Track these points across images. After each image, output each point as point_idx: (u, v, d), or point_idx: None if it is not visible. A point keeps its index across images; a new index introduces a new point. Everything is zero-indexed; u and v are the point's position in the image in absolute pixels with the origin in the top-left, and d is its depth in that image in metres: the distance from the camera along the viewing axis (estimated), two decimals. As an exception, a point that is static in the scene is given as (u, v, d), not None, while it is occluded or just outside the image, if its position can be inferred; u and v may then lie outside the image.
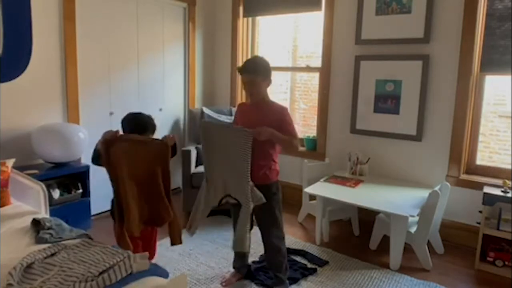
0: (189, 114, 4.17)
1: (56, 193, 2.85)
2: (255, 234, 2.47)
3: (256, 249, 2.61)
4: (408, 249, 2.74)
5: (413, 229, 2.75)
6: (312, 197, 3.25)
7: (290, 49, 4.23)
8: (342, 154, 3.59)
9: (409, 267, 2.73)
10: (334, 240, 3.16)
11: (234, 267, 2.56)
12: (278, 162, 2.31)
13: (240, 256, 2.51)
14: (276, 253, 2.33)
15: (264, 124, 2.12)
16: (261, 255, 2.76)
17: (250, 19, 4.35)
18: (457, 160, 3.11)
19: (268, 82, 2.24)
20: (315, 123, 3.93)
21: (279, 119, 2.19)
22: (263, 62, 2.22)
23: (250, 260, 2.64)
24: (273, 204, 2.25)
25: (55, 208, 2.74)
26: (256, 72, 2.18)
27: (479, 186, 2.90)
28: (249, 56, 4.40)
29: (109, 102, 3.51)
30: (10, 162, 2.42)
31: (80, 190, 3.02)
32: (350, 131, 3.61)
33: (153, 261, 2.09)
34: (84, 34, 3.21)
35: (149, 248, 2.13)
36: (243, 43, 4.36)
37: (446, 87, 3.10)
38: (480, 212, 2.73)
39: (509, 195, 2.63)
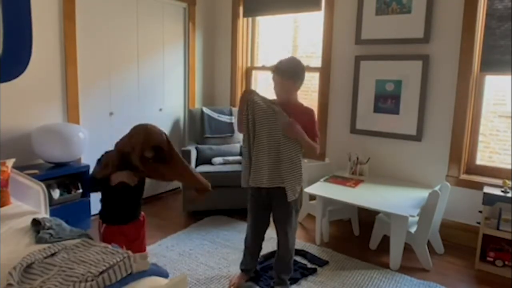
0: (189, 114, 4.17)
1: (56, 193, 2.85)
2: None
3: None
4: (408, 249, 2.74)
5: (413, 229, 2.75)
6: (312, 197, 3.25)
7: (290, 49, 4.22)
8: (342, 154, 3.59)
9: (409, 267, 2.73)
10: (334, 240, 3.16)
11: (243, 269, 2.51)
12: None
13: (254, 258, 2.49)
14: (287, 253, 2.35)
15: (297, 117, 2.12)
16: (262, 256, 2.75)
17: (250, 19, 4.35)
18: (457, 160, 3.11)
19: (298, 85, 2.17)
20: (315, 123, 3.92)
21: (306, 120, 2.16)
22: (297, 65, 2.14)
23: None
24: (295, 205, 2.27)
25: (55, 208, 2.74)
26: (288, 76, 2.11)
27: (479, 186, 2.91)
28: (249, 56, 4.42)
29: (109, 102, 3.51)
30: (10, 162, 2.42)
31: (80, 190, 3.02)
32: (350, 131, 3.61)
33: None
34: (84, 34, 3.21)
35: (137, 245, 2.14)
36: (243, 43, 4.36)
37: (446, 87, 3.11)
38: (480, 212, 2.73)
39: (509, 195, 2.63)
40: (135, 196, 2.13)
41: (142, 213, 2.22)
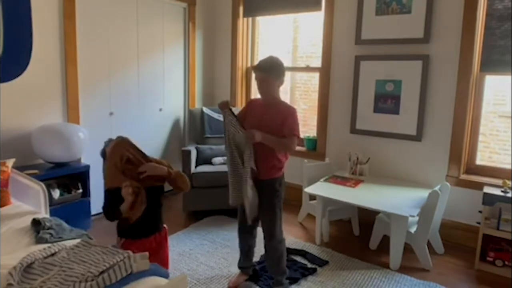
0: (189, 114, 4.17)
1: (56, 193, 2.85)
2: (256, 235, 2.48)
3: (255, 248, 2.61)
4: (408, 249, 2.74)
5: (413, 229, 2.75)
6: (312, 197, 3.25)
7: (290, 49, 4.22)
8: (342, 154, 3.59)
9: (409, 267, 2.73)
10: (334, 240, 3.16)
11: (239, 267, 2.54)
12: (284, 160, 2.32)
13: (246, 256, 2.51)
14: (273, 254, 2.34)
15: (269, 123, 2.20)
16: (261, 255, 2.76)
17: (250, 19, 4.35)
18: (457, 160, 3.11)
19: (280, 82, 2.26)
20: (315, 123, 3.93)
21: (283, 119, 2.20)
22: (276, 62, 2.24)
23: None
24: (274, 201, 2.27)
25: (55, 208, 2.74)
26: (267, 71, 2.21)
27: (479, 186, 2.90)
28: (249, 56, 4.42)
29: (109, 102, 3.51)
30: (10, 162, 2.42)
31: (80, 190, 3.02)
32: (350, 131, 3.61)
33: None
34: (84, 34, 3.21)
35: (158, 259, 1.97)
36: (243, 43, 4.36)
37: (446, 87, 3.11)
38: (480, 212, 2.73)
39: (509, 195, 2.63)
40: (152, 207, 1.93)
41: (165, 226, 2.05)
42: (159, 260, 1.93)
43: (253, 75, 2.30)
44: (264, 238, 2.35)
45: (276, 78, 2.22)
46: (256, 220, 2.39)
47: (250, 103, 2.48)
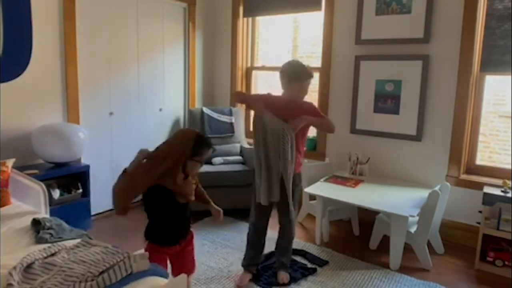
0: (189, 114, 4.17)
1: (56, 193, 2.85)
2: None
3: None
4: (408, 249, 2.74)
5: (413, 229, 2.75)
6: (312, 197, 3.25)
7: (290, 49, 4.23)
8: (342, 154, 3.59)
9: (409, 267, 2.73)
10: (334, 240, 3.16)
11: (244, 265, 2.55)
12: (302, 154, 2.47)
13: (256, 252, 2.55)
14: (288, 238, 2.52)
15: (290, 116, 2.32)
16: (262, 255, 2.75)
17: (250, 19, 4.35)
18: (457, 160, 3.11)
19: (306, 84, 2.45)
20: (315, 123, 3.93)
21: (308, 109, 2.43)
22: (303, 68, 2.42)
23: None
24: (294, 195, 2.36)
25: (55, 208, 2.73)
26: (294, 79, 2.38)
27: (479, 186, 2.90)
28: (249, 56, 4.42)
29: (109, 102, 3.51)
30: (10, 162, 2.42)
31: (80, 190, 3.02)
32: (350, 131, 3.61)
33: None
34: (84, 34, 3.21)
35: (181, 264, 1.96)
36: (243, 43, 4.36)
37: (446, 87, 3.11)
38: (480, 212, 2.73)
39: (509, 195, 2.63)
40: (182, 213, 1.93)
41: (192, 230, 2.02)
42: (186, 263, 1.97)
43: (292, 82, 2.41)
44: (282, 226, 2.50)
45: (301, 84, 2.39)
46: (269, 215, 2.49)
47: (268, 96, 2.50)
